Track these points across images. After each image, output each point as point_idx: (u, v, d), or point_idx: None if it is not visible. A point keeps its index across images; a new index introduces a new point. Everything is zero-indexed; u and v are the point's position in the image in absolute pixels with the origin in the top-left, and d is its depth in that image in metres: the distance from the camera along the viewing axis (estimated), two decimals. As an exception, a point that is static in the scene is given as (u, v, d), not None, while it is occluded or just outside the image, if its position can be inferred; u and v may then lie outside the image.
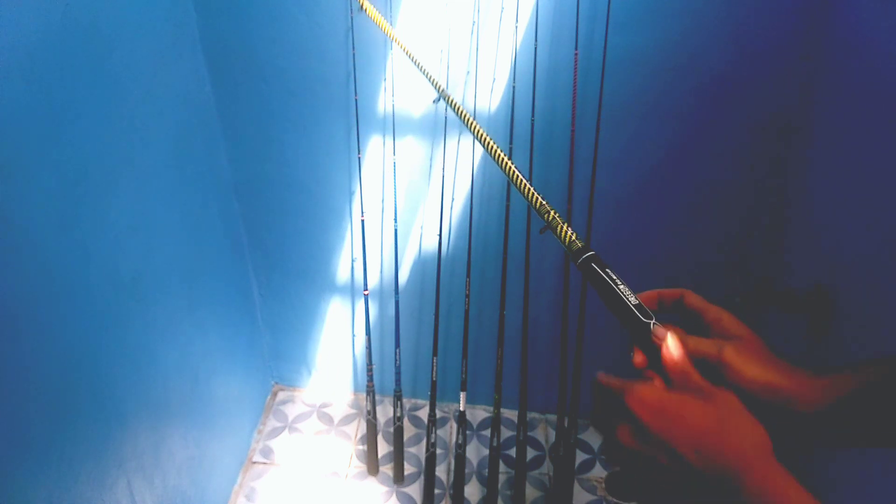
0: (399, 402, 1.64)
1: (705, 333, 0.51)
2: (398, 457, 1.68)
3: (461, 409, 1.55)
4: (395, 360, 1.62)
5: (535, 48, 1.31)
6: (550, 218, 0.67)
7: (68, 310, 0.95)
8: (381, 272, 1.70)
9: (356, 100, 1.40)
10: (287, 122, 1.48)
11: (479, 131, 0.85)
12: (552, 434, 1.84)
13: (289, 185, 1.58)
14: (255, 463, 1.77)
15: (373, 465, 1.72)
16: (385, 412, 1.90)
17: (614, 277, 0.59)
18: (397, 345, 1.62)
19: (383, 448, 1.80)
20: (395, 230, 1.55)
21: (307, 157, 1.53)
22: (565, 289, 1.46)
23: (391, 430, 1.71)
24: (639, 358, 0.54)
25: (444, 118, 1.41)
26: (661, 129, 1.40)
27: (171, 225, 1.27)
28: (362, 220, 1.54)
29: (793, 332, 1.35)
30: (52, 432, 0.93)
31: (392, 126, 1.44)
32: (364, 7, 1.27)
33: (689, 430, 0.42)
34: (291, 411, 1.92)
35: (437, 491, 1.67)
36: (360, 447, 1.81)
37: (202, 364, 1.45)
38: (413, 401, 1.93)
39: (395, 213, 1.54)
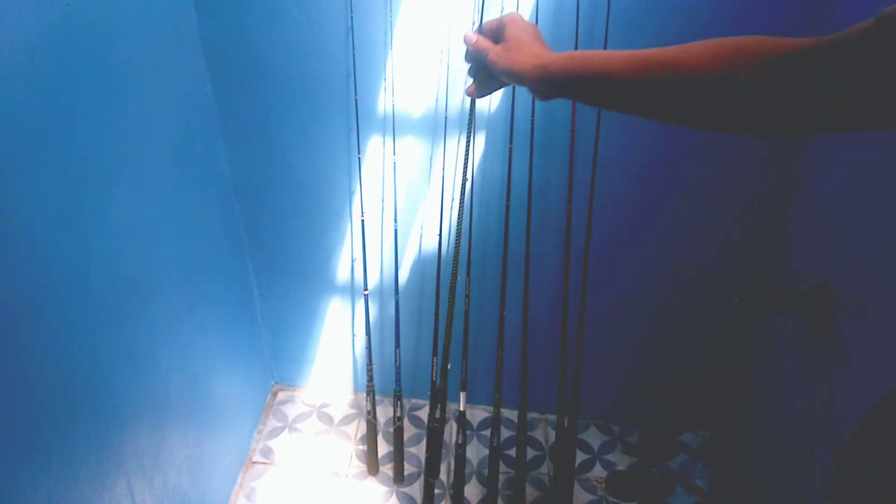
0: (399, 402, 1.64)
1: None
2: (398, 457, 1.68)
3: (461, 409, 1.55)
4: (396, 360, 1.62)
5: (535, 48, 1.30)
6: None
7: (68, 310, 0.95)
8: (381, 272, 1.70)
9: (356, 100, 1.40)
10: (287, 122, 1.48)
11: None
12: (552, 434, 1.84)
13: (289, 185, 1.58)
14: (255, 463, 1.77)
15: (373, 465, 1.72)
16: (385, 412, 1.91)
17: None
18: (397, 345, 1.62)
19: (383, 448, 1.80)
20: (395, 230, 1.55)
21: (307, 157, 1.53)
22: (565, 289, 1.46)
23: (391, 430, 1.71)
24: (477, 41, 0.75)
25: (444, 118, 1.41)
26: (661, 128, 1.40)
27: (171, 225, 1.27)
28: (362, 220, 1.54)
29: (793, 332, 1.35)
30: (52, 432, 0.93)
31: (392, 126, 1.44)
32: None
33: (506, 63, 0.70)
34: (291, 411, 1.92)
35: (437, 491, 1.67)
36: (360, 447, 1.81)
37: (202, 364, 1.45)
38: (413, 401, 1.93)
39: (395, 213, 1.54)
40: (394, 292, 1.62)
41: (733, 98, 0.54)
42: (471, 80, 0.79)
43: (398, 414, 1.64)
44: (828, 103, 0.49)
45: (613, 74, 0.61)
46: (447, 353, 1.49)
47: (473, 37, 0.75)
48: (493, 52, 0.71)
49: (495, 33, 0.73)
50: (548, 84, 0.66)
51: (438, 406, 1.56)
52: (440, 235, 1.49)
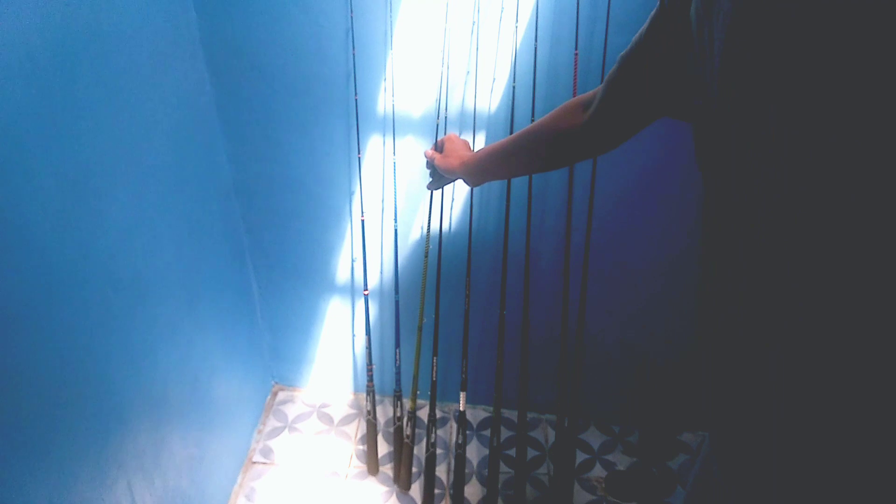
0: (399, 402, 1.64)
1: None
2: (398, 457, 1.68)
3: (461, 409, 1.55)
4: (396, 360, 1.62)
5: (536, 48, 1.31)
6: None
7: (68, 310, 0.95)
8: (381, 272, 1.70)
9: (356, 100, 1.40)
10: (287, 122, 1.48)
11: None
12: (552, 434, 1.84)
13: (289, 185, 1.58)
14: (255, 463, 1.77)
15: (373, 465, 1.72)
16: (385, 412, 1.91)
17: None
18: (397, 345, 1.62)
19: (383, 448, 1.80)
20: (396, 230, 1.55)
21: (307, 157, 1.53)
22: (565, 289, 1.46)
23: (391, 430, 1.71)
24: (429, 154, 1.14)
25: (444, 118, 1.41)
26: (661, 128, 1.40)
27: (170, 225, 1.27)
28: (362, 220, 1.54)
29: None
30: (52, 432, 0.93)
31: (392, 126, 1.44)
32: None
33: (444, 165, 1.08)
34: (291, 411, 1.93)
35: (437, 491, 1.67)
36: (360, 447, 1.81)
37: (202, 364, 1.45)
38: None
39: (396, 213, 1.54)
40: (394, 292, 1.62)
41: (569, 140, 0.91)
42: (430, 179, 1.19)
43: (398, 414, 1.65)
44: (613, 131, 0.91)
45: (501, 147, 0.98)
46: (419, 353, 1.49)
47: (429, 151, 1.13)
48: (438, 158, 1.10)
49: (441, 146, 1.11)
50: (470, 173, 1.04)
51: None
52: (440, 235, 1.49)
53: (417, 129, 1.46)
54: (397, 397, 1.63)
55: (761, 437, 0.58)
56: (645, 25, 0.74)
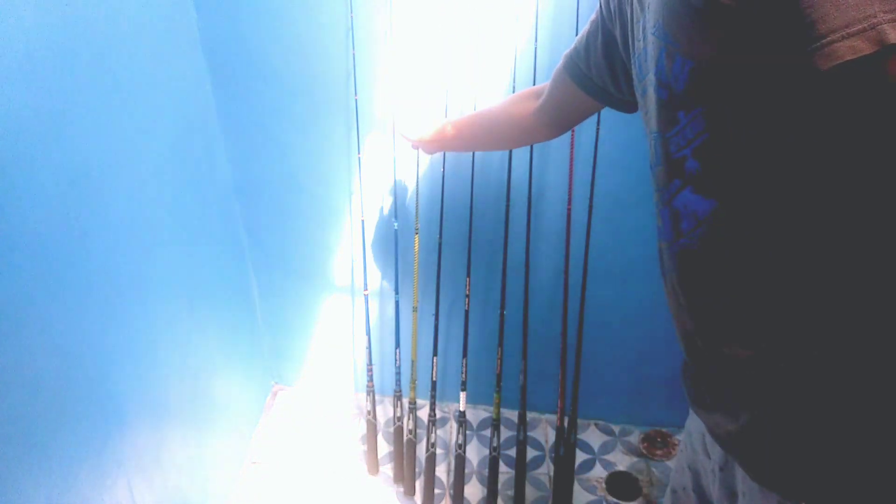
0: (399, 402, 1.64)
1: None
2: (398, 457, 1.68)
3: (461, 409, 1.55)
4: (396, 360, 1.62)
5: (535, 48, 1.31)
6: None
7: (68, 309, 0.95)
8: (381, 272, 1.70)
9: (356, 100, 1.40)
10: (287, 122, 1.48)
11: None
12: (552, 434, 1.84)
13: (289, 185, 1.58)
14: (255, 463, 1.77)
15: (373, 465, 1.72)
16: (385, 412, 1.91)
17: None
18: (397, 345, 1.62)
19: (383, 448, 1.80)
20: (395, 230, 1.55)
21: (307, 157, 1.53)
22: (565, 289, 1.46)
23: (391, 430, 1.71)
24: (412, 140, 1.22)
25: (444, 118, 1.41)
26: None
27: (170, 224, 1.27)
28: (362, 220, 1.54)
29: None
30: (52, 432, 0.93)
31: (392, 126, 1.44)
32: None
33: (423, 146, 1.22)
34: (291, 411, 1.92)
35: (437, 491, 1.67)
36: (360, 447, 1.81)
37: (202, 364, 1.45)
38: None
39: (395, 213, 1.54)
40: (394, 292, 1.62)
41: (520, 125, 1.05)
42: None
43: (398, 414, 1.64)
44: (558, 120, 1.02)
45: (462, 126, 1.14)
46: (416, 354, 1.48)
47: (412, 138, 1.23)
48: (414, 139, 1.22)
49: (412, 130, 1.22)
50: (432, 148, 1.23)
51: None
52: (440, 235, 1.49)
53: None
54: (397, 397, 1.63)
55: None
56: (585, 27, 0.87)
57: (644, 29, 0.64)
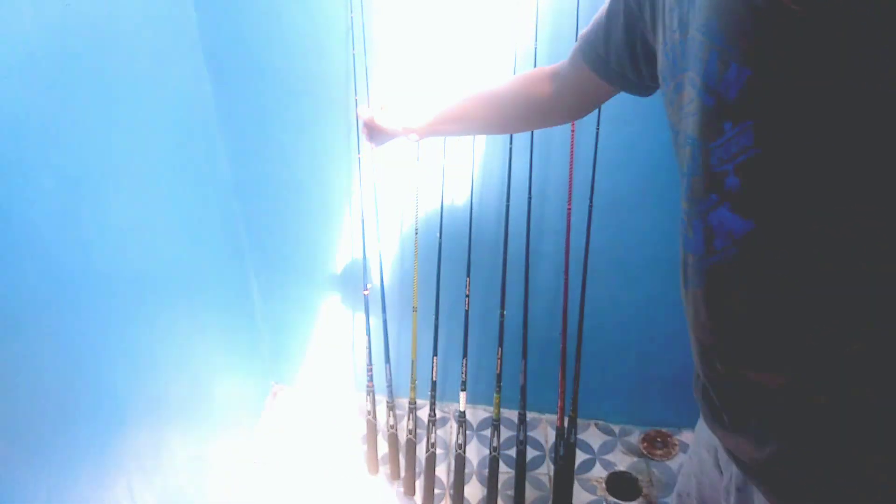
0: (392, 412, 1.63)
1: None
2: (393, 462, 1.68)
3: (461, 409, 1.55)
4: (387, 373, 1.62)
5: (535, 48, 1.31)
6: None
7: (68, 310, 0.95)
8: (381, 272, 1.70)
9: (356, 100, 1.40)
10: (287, 122, 1.48)
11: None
12: (552, 434, 1.84)
13: (289, 185, 1.58)
14: (255, 463, 1.77)
15: (373, 465, 1.72)
16: (385, 412, 1.90)
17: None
18: (387, 358, 1.62)
19: (383, 448, 1.80)
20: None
21: (307, 157, 1.53)
22: (565, 289, 1.46)
23: (391, 430, 1.71)
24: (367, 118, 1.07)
25: (444, 118, 1.41)
26: (661, 128, 1.40)
27: (171, 225, 1.27)
28: (362, 220, 1.54)
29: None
30: (52, 432, 0.93)
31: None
32: None
33: (389, 124, 1.04)
34: (291, 411, 1.92)
35: (437, 491, 1.67)
36: (361, 447, 1.81)
37: (202, 364, 1.45)
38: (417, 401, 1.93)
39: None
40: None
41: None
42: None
43: (391, 422, 1.64)
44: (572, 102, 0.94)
45: (458, 109, 1.00)
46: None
47: (365, 113, 1.09)
48: (379, 118, 1.06)
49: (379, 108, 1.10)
50: (420, 132, 1.03)
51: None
52: (440, 235, 1.49)
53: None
54: (390, 408, 1.63)
55: None
56: (604, 6, 0.79)
57: (683, 21, 0.58)
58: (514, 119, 1.02)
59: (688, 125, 0.59)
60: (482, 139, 1.45)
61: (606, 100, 0.93)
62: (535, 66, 1.32)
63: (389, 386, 1.70)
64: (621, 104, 1.37)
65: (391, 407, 1.70)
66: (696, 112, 0.57)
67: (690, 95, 0.58)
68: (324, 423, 1.89)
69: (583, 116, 1.02)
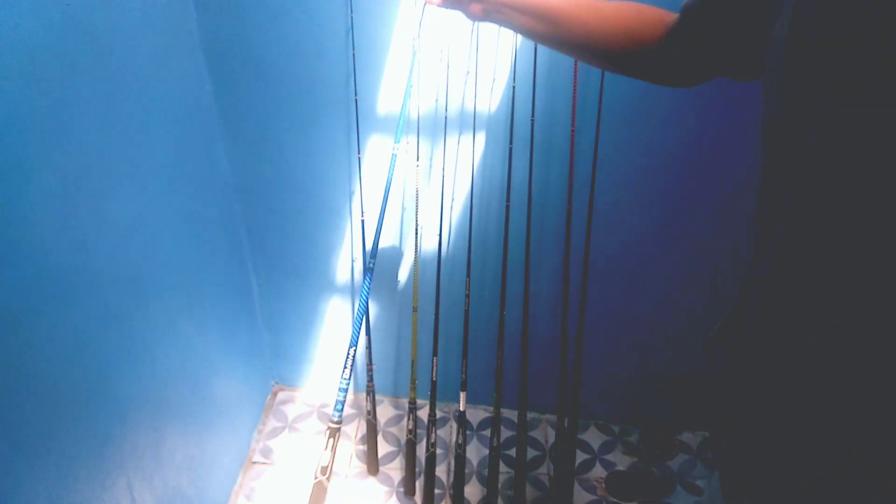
0: (371, 396, 1.63)
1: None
2: (372, 446, 1.68)
3: (461, 409, 1.55)
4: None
5: (535, 48, 1.31)
6: None
7: (68, 310, 0.95)
8: (382, 272, 1.70)
9: (356, 100, 1.40)
10: (287, 122, 1.48)
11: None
12: (552, 434, 1.84)
13: (289, 185, 1.58)
14: (255, 463, 1.77)
15: (373, 465, 1.72)
16: (385, 412, 1.91)
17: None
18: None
19: (383, 448, 1.80)
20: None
21: (307, 157, 1.53)
22: (565, 289, 1.46)
23: (391, 430, 1.71)
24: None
25: (444, 118, 1.41)
26: (661, 128, 1.40)
27: (170, 225, 1.27)
28: (362, 220, 1.54)
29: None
30: (52, 432, 0.93)
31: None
32: None
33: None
34: (291, 411, 1.93)
35: (437, 491, 1.67)
36: (360, 447, 1.81)
37: (202, 364, 1.45)
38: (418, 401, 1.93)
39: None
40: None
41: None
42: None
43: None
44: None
45: (530, 30, 0.83)
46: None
47: None
48: None
49: None
50: (487, 17, 0.86)
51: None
52: (440, 235, 1.49)
53: (417, 128, 1.46)
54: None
55: None
56: None
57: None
58: (608, 55, 0.82)
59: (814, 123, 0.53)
60: (482, 139, 1.45)
61: (712, 75, 0.78)
62: (535, 66, 1.32)
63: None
64: (621, 104, 1.38)
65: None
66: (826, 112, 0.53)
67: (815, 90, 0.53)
68: (324, 423, 1.89)
69: (689, 85, 0.82)
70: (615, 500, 1.68)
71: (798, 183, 0.53)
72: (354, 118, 1.42)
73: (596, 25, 0.79)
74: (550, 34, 0.83)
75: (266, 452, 1.80)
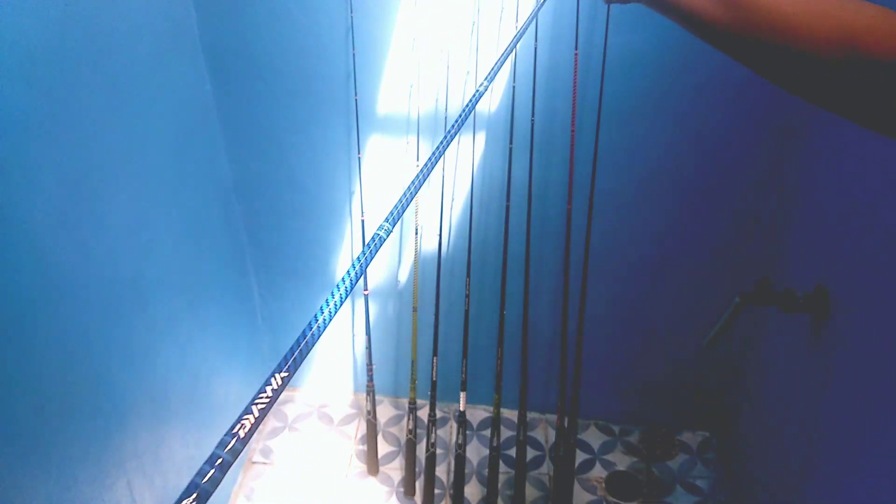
0: (370, 396, 1.63)
1: None
2: (372, 445, 1.68)
3: (461, 409, 1.55)
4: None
5: (535, 48, 1.31)
6: None
7: (68, 310, 0.95)
8: (381, 272, 1.70)
9: (356, 100, 1.40)
10: (287, 122, 1.48)
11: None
12: (552, 434, 1.84)
13: (289, 185, 1.58)
14: (255, 463, 1.77)
15: (373, 465, 1.72)
16: (385, 412, 1.91)
17: None
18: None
19: (383, 448, 1.80)
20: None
21: (307, 157, 1.53)
22: (565, 289, 1.46)
23: (391, 430, 1.71)
24: None
25: (444, 118, 1.41)
26: (661, 128, 1.40)
27: (170, 225, 1.27)
28: (362, 220, 1.54)
29: (793, 333, 1.35)
30: (52, 432, 0.93)
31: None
32: None
33: None
34: (291, 411, 1.92)
35: (437, 491, 1.67)
36: (360, 447, 1.81)
37: (202, 364, 1.45)
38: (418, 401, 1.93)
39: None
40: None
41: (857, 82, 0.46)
42: None
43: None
44: None
45: (700, 14, 0.57)
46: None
47: None
48: None
49: None
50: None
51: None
52: (440, 235, 1.49)
53: (417, 128, 1.46)
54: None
55: None
56: None
57: None
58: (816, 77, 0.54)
59: None
60: (482, 139, 1.45)
61: None
62: (534, 65, 1.32)
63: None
64: (621, 104, 1.38)
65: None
66: None
67: None
68: (324, 423, 1.89)
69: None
70: (615, 500, 1.68)
71: None
72: (354, 118, 1.42)
73: (802, 8, 0.50)
74: (730, 22, 0.56)
75: (266, 452, 1.80)
